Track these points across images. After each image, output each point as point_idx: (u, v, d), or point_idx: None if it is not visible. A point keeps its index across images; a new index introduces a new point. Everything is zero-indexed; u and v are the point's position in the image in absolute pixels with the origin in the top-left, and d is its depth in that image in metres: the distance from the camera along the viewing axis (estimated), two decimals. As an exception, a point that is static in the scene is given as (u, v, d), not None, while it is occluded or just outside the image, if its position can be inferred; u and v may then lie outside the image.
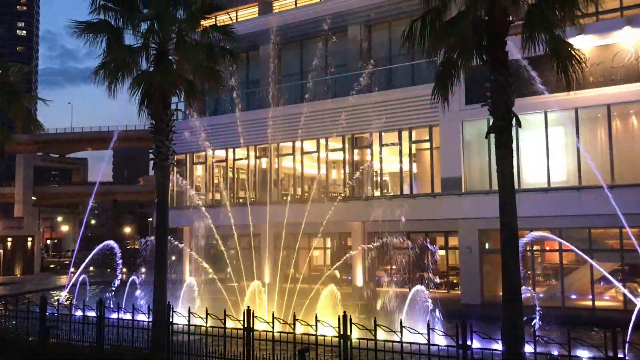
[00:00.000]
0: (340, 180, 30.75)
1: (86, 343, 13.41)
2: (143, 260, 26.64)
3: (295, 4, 32.56)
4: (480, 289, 24.29)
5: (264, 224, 27.53)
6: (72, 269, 31.32)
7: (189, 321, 11.84)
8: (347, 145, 28.83)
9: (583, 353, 10.07)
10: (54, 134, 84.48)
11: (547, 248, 25.26)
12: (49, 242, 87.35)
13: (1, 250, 51.37)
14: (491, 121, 11.91)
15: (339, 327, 10.01)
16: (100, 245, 28.00)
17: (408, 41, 12.17)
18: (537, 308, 17.74)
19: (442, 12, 12.09)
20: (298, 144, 29.98)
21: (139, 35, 15.26)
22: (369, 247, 25.82)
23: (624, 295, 21.33)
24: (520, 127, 12.17)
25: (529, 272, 23.93)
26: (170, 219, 16.52)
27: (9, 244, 51.98)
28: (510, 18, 11.95)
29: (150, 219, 36.56)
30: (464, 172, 25.18)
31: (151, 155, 15.54)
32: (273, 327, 10.81)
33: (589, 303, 22.44)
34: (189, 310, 11.97)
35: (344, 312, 10.27)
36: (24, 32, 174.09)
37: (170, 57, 15.39)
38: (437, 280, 26.48)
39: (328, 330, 10.36)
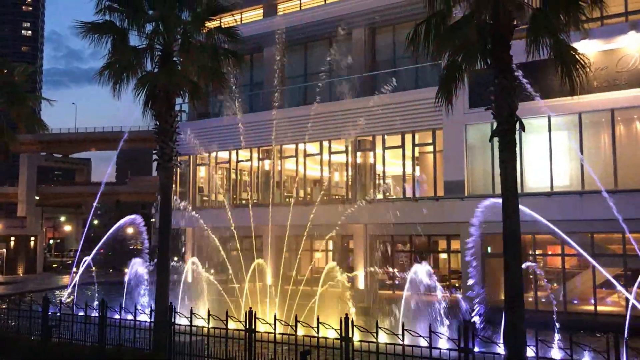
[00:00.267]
0: (343, 183, 30.76)
1: (88, 343, 13.42)
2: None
3: (300, 7, 32.60)
4: (483, 292, 24.23)
5: (266, 226, 27.56)
6: (74, 269, 31.36)
7: (190, 322, 11.85)
8: (350, 148, 28.84)
9: (585, 358, 10.06)
10: (57, 134, 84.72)
11: (550, 252, 25.21)
12: (51, 241, 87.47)
13: (4, 250, 51.50)
14: (495, 125, 11.92)
15: (341, 330, 10.01)
16: (124, 220, 27.46)
17: (412, 44, 12.20)
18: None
19: (446, 16, 12.12)
20: (301, 146, 30.01)
21: (144, 37, 15.33)
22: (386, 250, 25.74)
23: (627, 300, 21.26)
24: (523, 131, 12.17)
25: (531, 276, 23.87)
26: (172, 220, 16.54)
27: (11, 243, 52.12)
28: (515, 22, 11.97)
29: (153, 220, 36.56)
30: (467, 176, 25.14)
31: (155, 156, 15.58)
32: (275, 329, 10.81)
33: (591, 308, 22.39)
34: (191, 311, 11.98)
35: (346, 314, 10.27)
36: (29, 32, 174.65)
37: (174, 59, 15.45)
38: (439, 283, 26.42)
39: (330, 333, 10.37)
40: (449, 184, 25.47)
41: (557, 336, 14.28)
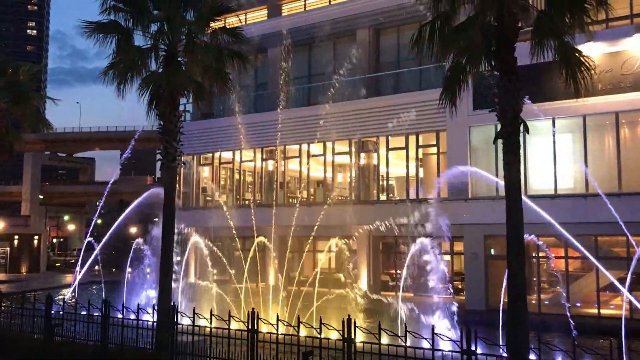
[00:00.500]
0: (346, 184, 30.77)
1: (90, 342, 13.43)
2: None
3: (305, 8, 32.63)
4: (485, 294, 24.21)
5: (269, 227, 27.57)
6: (77, 268, 31.43)
7: (193, 322, 11.85)
8: (353, 149, 28.84)
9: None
10: (62, 133, 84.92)
11: (553, 255, 25.15)
12: (55, 240, 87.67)
13: (8, 248, 51.64)
14: (499, 127, 11.90)
15: (343, 331, 10.00)
16: (146, 194, 27.06)
17: (417, 46, 12.19)
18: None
19: (451, 17, 12.10)
20: (305, 146, 30.02)
21: (149, 37, 15.34)
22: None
23: (630, 304, 21.20)
24: (528, 133, 12.15)
25: (534, 279, 23.84)
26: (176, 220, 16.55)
27: (15, 242, 52.25)
28: (520, 24, 11.95)
29: (157, 220, 36.59)
30: (470, 178, 25.12)
31: (158, 156, 15.60)
32: (277, 330, 10.81)
33: (595, 311, 22.32)
34: (194, 310, 11.99)
35: (348, 315, 10.26)
36: (34, 31, 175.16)
37: (179, 59, 15.45)
38: (442, 285, 26.39)
39: (332, 334, 10.37)
40: (452, 186, 25.44)
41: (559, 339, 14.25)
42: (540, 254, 24.26)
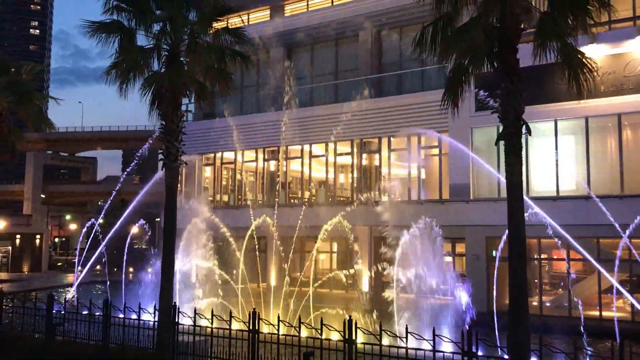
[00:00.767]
0: (348, 185, 30.77)
1: (92, 341, 13.44)
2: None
3: (307, 8, 32.62)
4: (487, 296, 24.16)
5: (271, 227, 27.55)
6: (79, 267, 31.48)
7: (194, 322, 11.86)
8: (355, 150, 28.83)
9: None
10: (64, 133, 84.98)
11: (555, 257, 25.13)
12: (57, 240, 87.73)
13: (9, 248, 51.68)
14: (501, 128, 11.89)
15: (344, 332, 9.99)
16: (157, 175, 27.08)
17: (419, 47, 12.18)
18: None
19: (453, 19, 12.10)
20: (307, 147, 30.01)
21: (151, 37, 15.35)
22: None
23: (632, 306, 21.18)
24: (530, 134, 12.14)
25: (536, 281, 23.80)
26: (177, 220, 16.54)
27: (17, 241, 52.29)
28: (522, 25, 11.93)
29: (158, 220, 36.64)
30: (472, 179, 25.10)
31: (160, 156, 15.61)
32: (278, 330, 10.81)
33: (596, 313, 22.28)
34: (195, 311, 11.99)
35: (349, 316, 10.25)
36: (37, 31, 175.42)
37: (181, 59, 15.46)
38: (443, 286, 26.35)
39: (333, 335, 10.36)
40: (454, 187, 25.43)
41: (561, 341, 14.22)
42: (543, 256, 24.25)
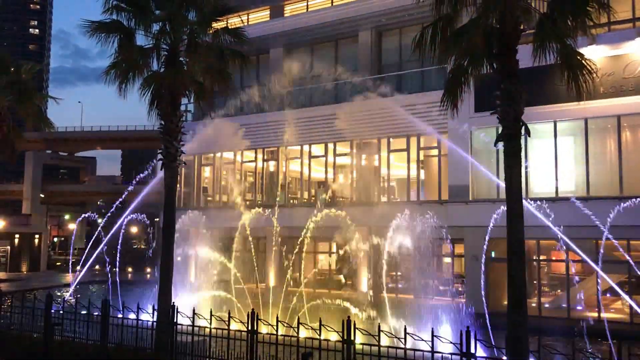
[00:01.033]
0: (347, 185, 30.76)
1: (90, 341, 13.43)
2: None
3: (307, 9, 32.64)
4: (486, 297, 24.16)
5: (270, 227, 27.56)
6: (78, 267, 31.49)
7: (192, 322, 11.85)
8: (354, 150, 28.83)
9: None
10: (63, 133, 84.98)
11: (554, 258, 25.13)
12: (55, 240, 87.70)
13: (8, 247, 51.63)
14: (500, 129, 11.89)
15: (343, 332, 9.99)
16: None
17: (419, 48, 12.20)
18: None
19: (453, 20, 12.11)
20: (306, 147, 30.02)
21: (151, 36, 15.36)
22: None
23: (630, 308, 21.19)
24: (529, 135, 12.15)
25: (535, 282, 23.80)
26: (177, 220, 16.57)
27: (16, 240, 52.25)
28: (522, 27, 11.94)
29: (157, 220, 36.63)
30: (471, 180, 25.11)
31: (159, 156, 15.61)
32: (277, 330, 10.80)
33: (595, 315, 22.27)
34: (193, 311, 11.98)
35: (348, 317, 10.25)
36: (37, 30, 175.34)
37: (181, 59, 15.47)
38: (442, 287, 26.38)
39: (332, 335, 10.35)
40: (453, 188, 25.43)
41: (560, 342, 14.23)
42: (541, 257, 24.26)
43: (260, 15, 34.43)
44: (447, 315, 18.06)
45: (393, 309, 20.21)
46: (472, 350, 9.09)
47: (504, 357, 10.41)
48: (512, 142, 11.64)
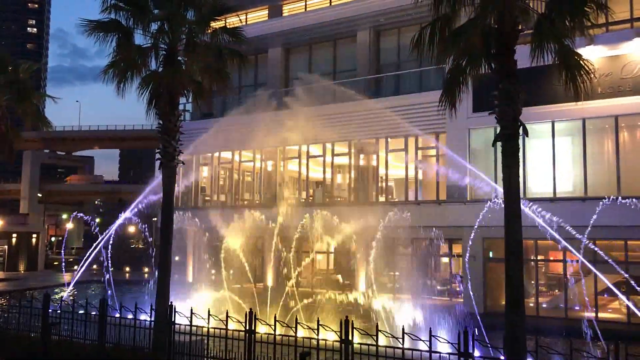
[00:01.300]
0: (345, 185, 30.78)
1: (88, 341, 13.42)
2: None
3: (305, 8, 32.64)
4: (484, 297, 24.20)
5: (268, 227, 27.53)
6: (75, 267, 31.45)
7: (190, 322, 11.85)
8: (352, 150, 28.83)
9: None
10: (61, 132, 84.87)
11: (551, 258, 25.16)
12: (53, 239, 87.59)
13: (5, 247, 51.54)
14: (498, 129, 11.90)
15: (341, 332, 10.00)
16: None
17: (417, 48, 12.20)
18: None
19: (451, 20, 12.11)
20: (304, 147, 30.01)
21: (149, 36, 15.33)
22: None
23: (628, 308, 21.22)
24: (527, 136, 12.16)
25: (533, 282, 23.83)
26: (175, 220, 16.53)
27: (13, 240, 52.15)
28: (520, 27, 11.96)
29: (155, 219, 36.63)
30: (469, 180, 25.12)
31: (157, 155, 15.59)
32: (275, 330, 10.81)
33: (592, 315, 22.31)
34: (191, 310, 11.98)
35: (346, 316, 10.26)
36: (35, 29, 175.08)
37: (179, 58, 15.45)
38: (440, 287, 26.42)
39: (330, 335, 10.36)
40: (451, 188, 25.45)
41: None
42: (539, 257, 24.28)
43: (258, 15, 34.43)
44: (445, 315, 18.06)
45: (390, 309, 20.19)
46: (470, 350, 9.11)
47: (502, 357, 10.42)
48: (510, 142, 11.64)
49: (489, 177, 24.39)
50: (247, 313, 11.05)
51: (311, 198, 30.75)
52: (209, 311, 11.74)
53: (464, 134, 25.15)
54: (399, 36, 29.38)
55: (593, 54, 20.36)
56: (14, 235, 52.22)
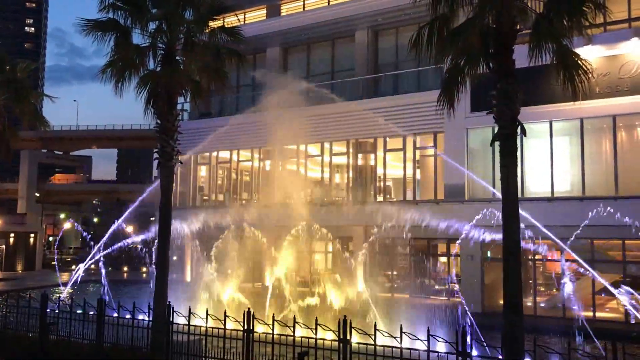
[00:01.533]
0: (343, 185, 30.77)
1: (86, 341, 13.39)
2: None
3: (303, 8, 32.63)
4: (481, 297, 24.22)
5: (266, 226, 27.49)
6: (72, 267, 31.41)
7: (188, 321, 11.83)
8: (351, 150, 28.84)
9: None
10: (59, 131, 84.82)
11: (549, 257, 25.18)
12: (51, 239, 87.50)
13: (3, 246, 51.42)
14: (496, 129, 11.91)
15: (339, 331, 9.99)
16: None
17: (415, 47, 12.20)
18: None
19: (449, 20, 12.11)
20: (302, 147, 30.00)
21: (147, 35, 15.29)
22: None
23: (625, 307, 21.24)
24: (525, 135, 12.16)
25: (531, 282, 23.85)
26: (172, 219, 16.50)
27: (11, 239, 52.05)
28: (518, 27, 11.96)
29: (153, 219, 36.55)
30: (467, 180, 25.14)
31: (155, 155, 15.56)
32: (273, 330, 10.80)
33: (590, 314, 22.34)
34: (189, 310, 11.97)
35: (344, 316, 10.26)
36: (32, 29, 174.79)
37: (177, 58, 15.43)
38: (438, 287, 26.42)
39: (328, 334, 10.35)
40: (449, 188, 25.47)
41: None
42: (537, 257, 24.29)
43: (256, 15, 34.40)
44: (443, 314, 18.07)
45: (388, 309, 20.18)
46: (468, 350, 9.12)
47: (500, 357, 10.43)
48: (508, 141, 11.64)
49: (487, 177, 24.42)
50: (245, 313, 11.04)
51: (309, 197, 30.71)
52: (207, 311, 11.73)
53: (462, 134, 25.16)
54: (397, 36, 29.38)
55: (591, 54, 20.38)
56: (12, 235, 52.10)
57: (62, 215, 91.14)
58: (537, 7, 12.28)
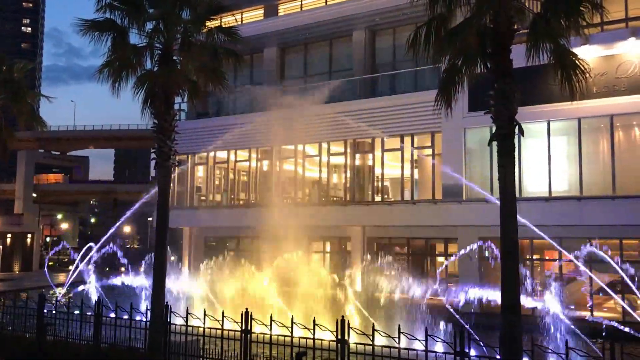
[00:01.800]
0: (341, 185, 30.76)
1: (83, 341, 13.36)
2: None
3: (301, 8, 32.61)
4: (480, 296, 24.20)
5: (264, 227, 27.48)
6: (70, 267, 31.35)
7: (186, 322, 11.82)
8: (348, 150, 28.83)
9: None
10: (56, 132, 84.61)
11: (547, 257, 25.20)
12: (48, 239, 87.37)
13: (0, 247, 51.33)
14: (494, 129, 11.91)
15: (337, 332, 9.99)
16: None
17: (413, 47, 12.21)
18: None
19: (447, 19, 12.12)
20: (300, 147, 29.98)
21: (144, 35, 15.28)
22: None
23: (623, 307, 21.27)
24: (523, 135, 12.17)
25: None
26: (170, 219, 16.48)
27: (8, 240, 51.96)
28: (515, 27, 11.97)
29: (150, 219, 36.55)
30: (465, 180, 25.14)
31: (153, 155, 15.55)
32: (271, 330, 10.80)
33: (587, 314, 22.36)
34: (187, 310, 11.96)
35: (342, 316, 10.25)
36: (29, 29, 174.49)
37: (174, 58, 15.41)
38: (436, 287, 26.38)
39: (326, 335, 10.34)
40: (447, 188, 25.47)
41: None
42: (535, 256, 24.32)
43: (254, 14, 34.37)
44: (441, 314, 18.07)
45: (386, 309, 20.19)
46: (466, 349, 9.11)
47: (498, 356, 10.43)
48: (505, 141, 11.66)
49: (484, 177, 24.43)
50: (243, 313, 11.03)
51: (307, 198, 30.70)
52: (204, 311, 11.72)
53: (460, 134, 25.16)
54: (395, 36, 29.38)
55: (588, 54, 20.37)
56: (9, 235, 52.02)
57: (59, 216, 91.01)
58: (535, 7, 12.30)
